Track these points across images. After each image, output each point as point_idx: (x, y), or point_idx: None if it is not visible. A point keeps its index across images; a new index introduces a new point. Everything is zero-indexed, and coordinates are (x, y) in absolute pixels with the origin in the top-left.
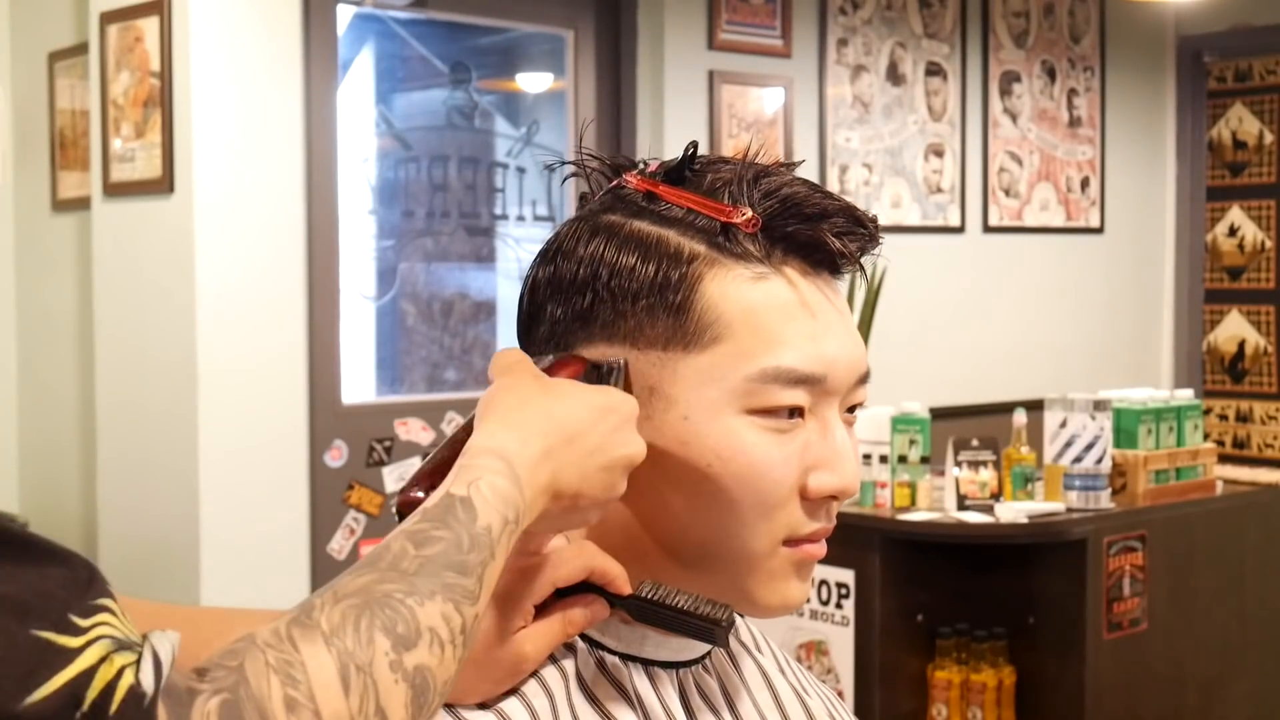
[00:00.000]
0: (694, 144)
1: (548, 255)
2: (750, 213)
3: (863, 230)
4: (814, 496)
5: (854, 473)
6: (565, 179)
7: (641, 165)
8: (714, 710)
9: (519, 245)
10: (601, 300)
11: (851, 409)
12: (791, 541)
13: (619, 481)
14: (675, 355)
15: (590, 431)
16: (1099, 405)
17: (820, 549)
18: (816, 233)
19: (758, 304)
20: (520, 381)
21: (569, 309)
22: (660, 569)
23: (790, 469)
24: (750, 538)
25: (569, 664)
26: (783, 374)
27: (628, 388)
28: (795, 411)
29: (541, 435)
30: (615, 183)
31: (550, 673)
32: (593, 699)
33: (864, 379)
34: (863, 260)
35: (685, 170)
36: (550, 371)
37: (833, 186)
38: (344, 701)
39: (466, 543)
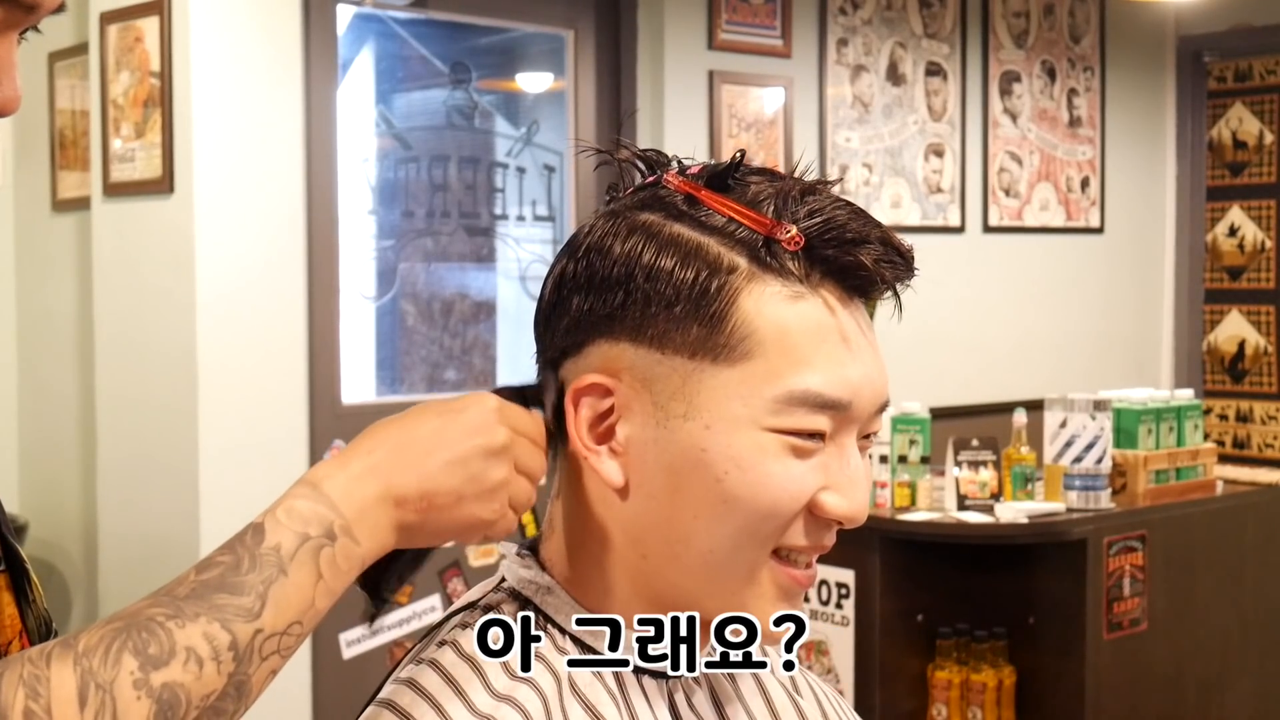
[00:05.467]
0: (741, 152)
1: (578, 249)
2: (795, 230)
3: (900, 259)
4: (822, 515)
5: (864, 502)
6: (597, 166)
7: (676, 164)
8: (699, 717)
9: (519, 245)
10: (634, 300)
11: (867, 436)
12: (781, 554)
13: (485, 470)
14: (702, 365)
15: (425, 436)
16: (1099, 405)
17: (810, 576)
18: (856, 258)
19: (792, 324)
20: (382, 421)
21: (598, 304)
22: (665, 576)
23: (806, 487)
24: (752, 551)
25: (561, 668)
26: (810, 397)
27: (559, 402)
28: (817, 434)
29: (365, 453)
30: (652, 179)
31: (543, 676)
32: (584, 703)
33: (883, 408)
34: (897, 289)
35: (729, 177)
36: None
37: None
38: (79, 715)
39: (246, 564)
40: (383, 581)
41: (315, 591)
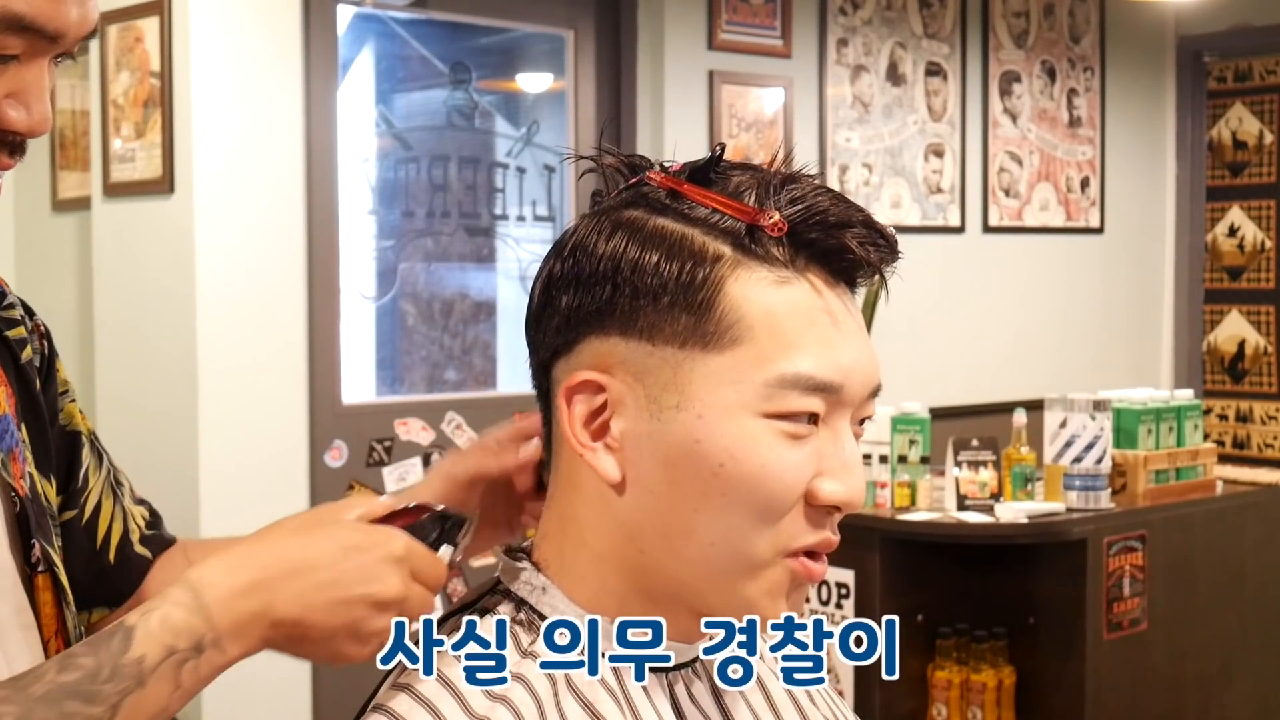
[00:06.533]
0: (721, 145)
1: (564, 248)
2: (777, 216)
3: (884, 241)
4: (819, 503)
5: (861, 487)
6: (582, 175)
7: (659, 164)
8: (704, 714)
9: (519, 245)
10: (621, 295)
11: (860, 421)
12: (792, 553)
13: (367, 619)
14: (692, 354)
15: (325, 567)
16: (1099, 405)
17: (821, 568)
18: (841, 241)
19: (779, 308)
20: (290, 521)
21: (586, 300)
22: (664, 570)
23: (802, 474)
24: (754, 542)
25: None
26: (801, 380)
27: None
28: (811, 417)
29: (258, 568)
30: (636, 179)
31: (540, 677)
32: (582, 701)
33: (875, 392)
34: (883, 271)
35: (710, 171)
36: (387, 521)
37: (832, 186)
38: None
39: (106, 673)
40: None
41: (171, 699)
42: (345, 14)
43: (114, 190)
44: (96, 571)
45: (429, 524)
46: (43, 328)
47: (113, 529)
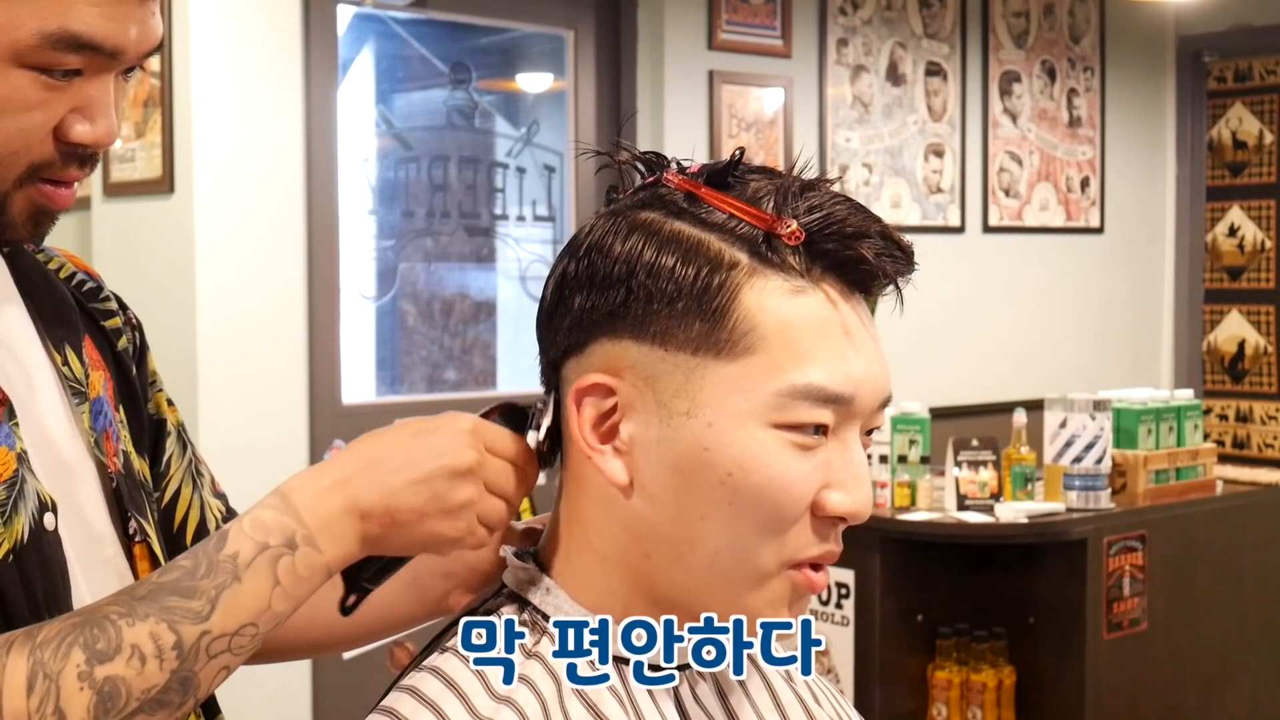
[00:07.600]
0: (740, 150)
1: (579, 248)
2: (795, 225)
3: (900, 253)
4: (826, 515)
5: (868, 498)
6: (599, 170)
7: (676, 164)
8: (709, 715)
9: (519, 245)
10: (635, 298)
11: (869, 431)
12: (796, 564)
13: (449, 490)
14: (705, 361)
15: (395, 454)
16: (1099, 405)
17: (823, 580)
18: (857, 252)
19: (794, 318)
20: (371, 432)
21: (600, 302)
22: (668, 576)
23: (809, 486)
24: (760, 552)
25: (560, 669)
26: (812, 391)
27: (555, 425)
28: (820, 429)
29: (338, 467)
30: (653, 179)
31: (543, 678)
32: (586, 702)
33: (885, 403)
34: (899, 283)
35: (728, 175)
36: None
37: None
38: (24, 701)
39: (203, 569)
40: (360, 571)
41: (272, 596)
42: (345, 14)
43: (114, 190)
44: (172, 555)
45: (508, 413)
46: (134, 320)
47: (189, 515)
